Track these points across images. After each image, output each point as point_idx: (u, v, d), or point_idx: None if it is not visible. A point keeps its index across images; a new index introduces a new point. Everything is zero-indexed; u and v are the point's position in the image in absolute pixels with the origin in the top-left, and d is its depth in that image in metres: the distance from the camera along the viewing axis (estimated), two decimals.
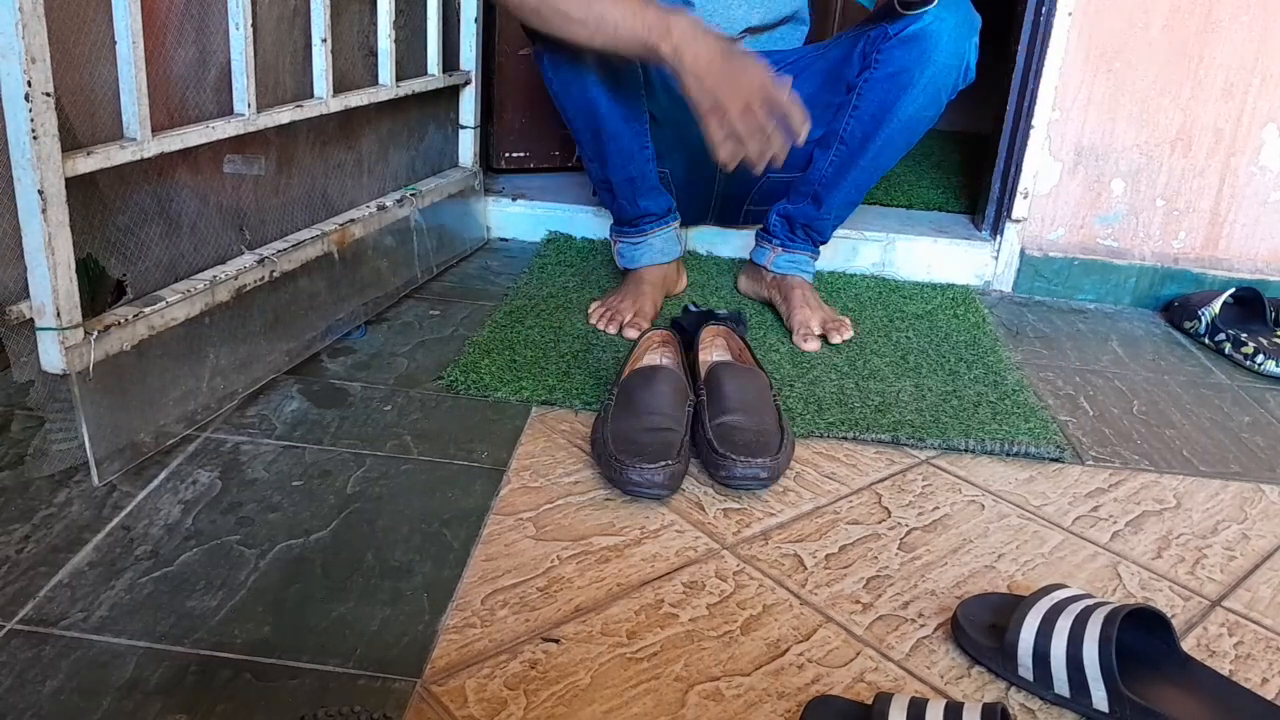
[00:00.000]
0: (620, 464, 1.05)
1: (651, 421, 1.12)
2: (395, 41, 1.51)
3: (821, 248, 1.63)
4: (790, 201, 1.59)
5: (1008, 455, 1.24)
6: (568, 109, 1.48)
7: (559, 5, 1.25)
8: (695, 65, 1.16)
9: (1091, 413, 1.40)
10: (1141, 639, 0.86)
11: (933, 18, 1.38)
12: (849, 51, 1.52)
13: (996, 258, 1.89)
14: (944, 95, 1.45)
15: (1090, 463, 1.26)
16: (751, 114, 1.16)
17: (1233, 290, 1.73)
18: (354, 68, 1.46)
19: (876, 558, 1.02)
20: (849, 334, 1.53)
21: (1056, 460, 1.24)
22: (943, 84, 1.43)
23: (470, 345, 1.41)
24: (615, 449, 1.08)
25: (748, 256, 1.87)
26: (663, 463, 1.05)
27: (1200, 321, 1.72)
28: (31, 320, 0.97)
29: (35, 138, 0.90)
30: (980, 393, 1.38)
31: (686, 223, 1.69)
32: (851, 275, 1.85)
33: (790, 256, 1.60)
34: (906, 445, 1.24)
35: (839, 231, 1.85)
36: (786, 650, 0.87)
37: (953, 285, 1.85)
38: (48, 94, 0.90)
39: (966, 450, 1.24)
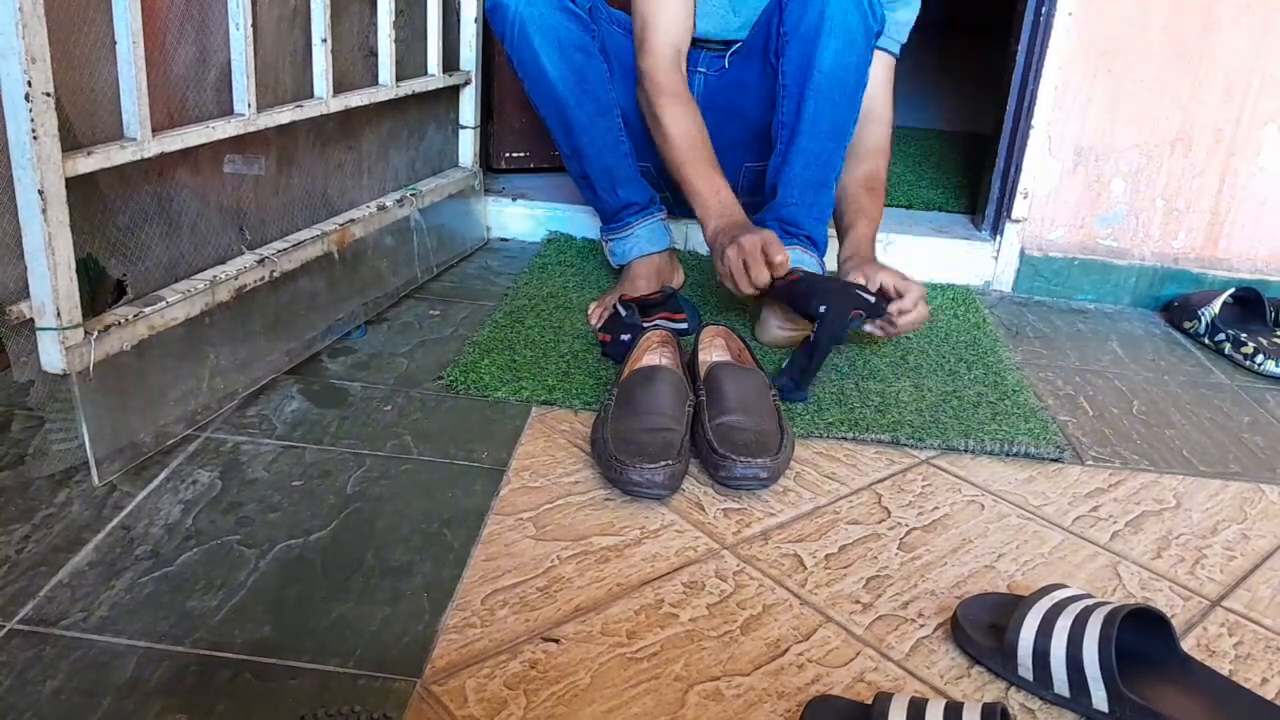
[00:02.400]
0: (620, 464, 1.05)
1: (651, 421, 1.12)
2: (395, 41, 1.51)
3: (816, 248, 1.54)
4: (767, 206, 1.56)
5: (1007, 455, 1.24)
6: (539, 107, 1.54)
7: (666, 150, 1.47)
8: (718, 247, 1.38)
9: (1091, 413, 1.40)
10: (1141, 639, 0.86)
11: None
12: (765, 39, 1.53)
13: (996, 258, 1.89)
14: (857, 38, 1.42)
15: (1090, 463, 1.26)
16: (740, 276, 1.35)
17: (1232, 290, 1.73)
18: (354, 68, 1.46)
19: (876, 558, 1.02)
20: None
21: (1056, 460, 1.24)
22: (851, 23, 1.41)
23: (470, 345, 1.41)
24: (615, 449, 1.07)
25: None
26: (663, 462, 1.05)
27: (1200, 321, 1.72)
28: (32, 320, 0.97)
29: (35, 138, 0.90)
30: (980, 393, 1.38)
31: (683, 214, 1.67)
32: None
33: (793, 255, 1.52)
34: (906, 445, 1.24)
35: None
36: (786, 650, 0.87)
37: (953, 285, 1.85)
38: (48, 94, 0.90)
39: (966, 450, 1.24)
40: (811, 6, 1.42)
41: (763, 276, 1.31)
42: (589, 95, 1.50)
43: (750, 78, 1.59)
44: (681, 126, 1.45)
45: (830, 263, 1.58)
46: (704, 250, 1.87)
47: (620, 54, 1.58)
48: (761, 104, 1.57)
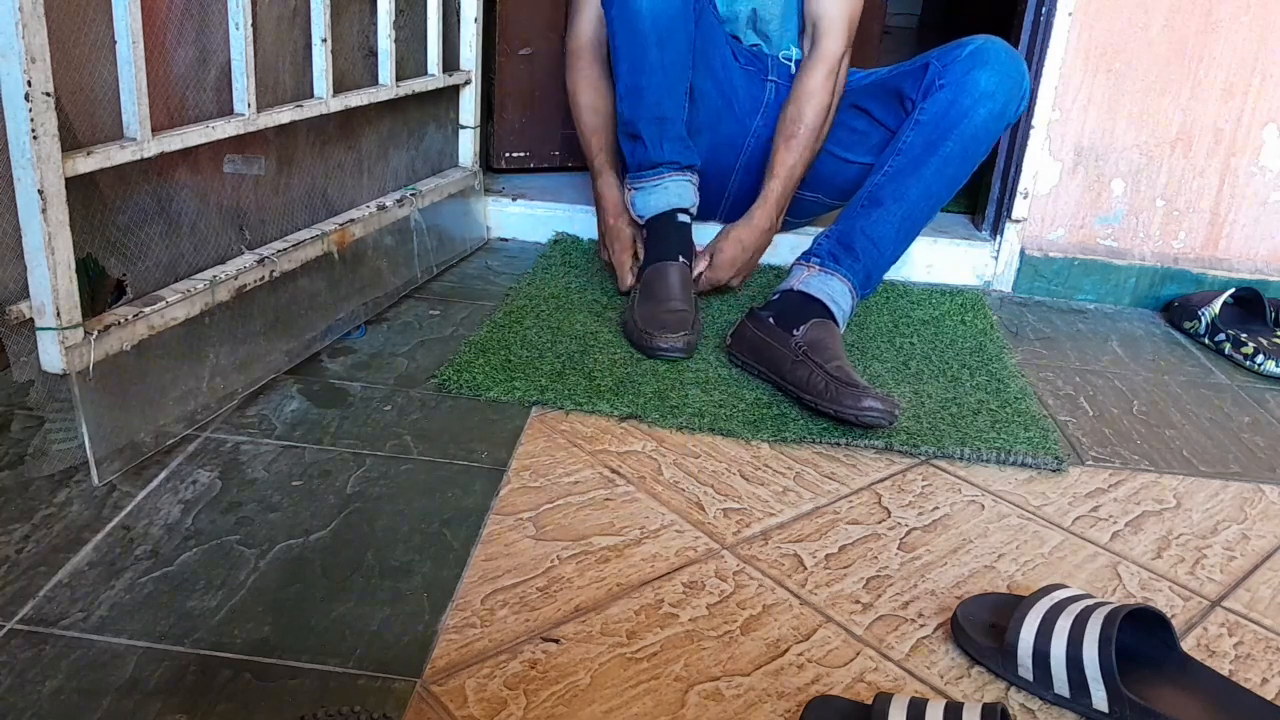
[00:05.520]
0: (649, 335, 1.38)
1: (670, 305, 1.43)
2: (395, 41, 1.51)
3: (859, 288, 1.45)
4: (839, 221, 1.51)
5: (1004, 465, 1.23)
6: (618, 31, 1.49)
7: (580, 123, 1.65)
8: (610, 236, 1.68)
9: (1091, 413, 1.40)
10: (1141, 639, 0.86)
11: (985, 39, 1.48)
12: (909, 74, 1.55)
13: (996, 258, 1.89)
14: (1009, 112, 1.47)
15: (1090, 463, 1.26)
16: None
17: (1233, 290, 1.73)
18: (354, 68, 1.46)
19: (876, 558, 1.02)
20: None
21: (1055, 471, 1.23)
22: (1009, 95, 1.45)
23: (466, 345, 1.40)
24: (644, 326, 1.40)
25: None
26: (681, 333, 1.37)
27: (1200, 322, 1.72)
28: (31, 320, 0.97)
29: (35, 138, 0.90)
30: (981, 400, 1.37)
31: (698, 218, 1.67)
32: None
33: (824, 280, 1.42)
34: (900, 451, 1.23)
35: None
36: (786, 650, 0.87)
37: (962, 290, 1.84)
38: (48, 94, 0.90)
39: (961, 459, 1.23)
40: (978, 58, 1.45)
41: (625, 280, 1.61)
42: (672, 45, 1.47)
43: (839, 118, 1.62)
44: (595, 107, 1.63)
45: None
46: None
47: (708, 33, 1.58)
48: (834, 141, 1.64)
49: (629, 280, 1.59)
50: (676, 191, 1.52)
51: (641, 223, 1.56)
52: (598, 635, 0.87)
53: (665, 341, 1.37)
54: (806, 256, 1.47)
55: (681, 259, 1.50)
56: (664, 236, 1.52)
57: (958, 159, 1.47)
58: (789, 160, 1.57)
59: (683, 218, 1.53)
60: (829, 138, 1.63)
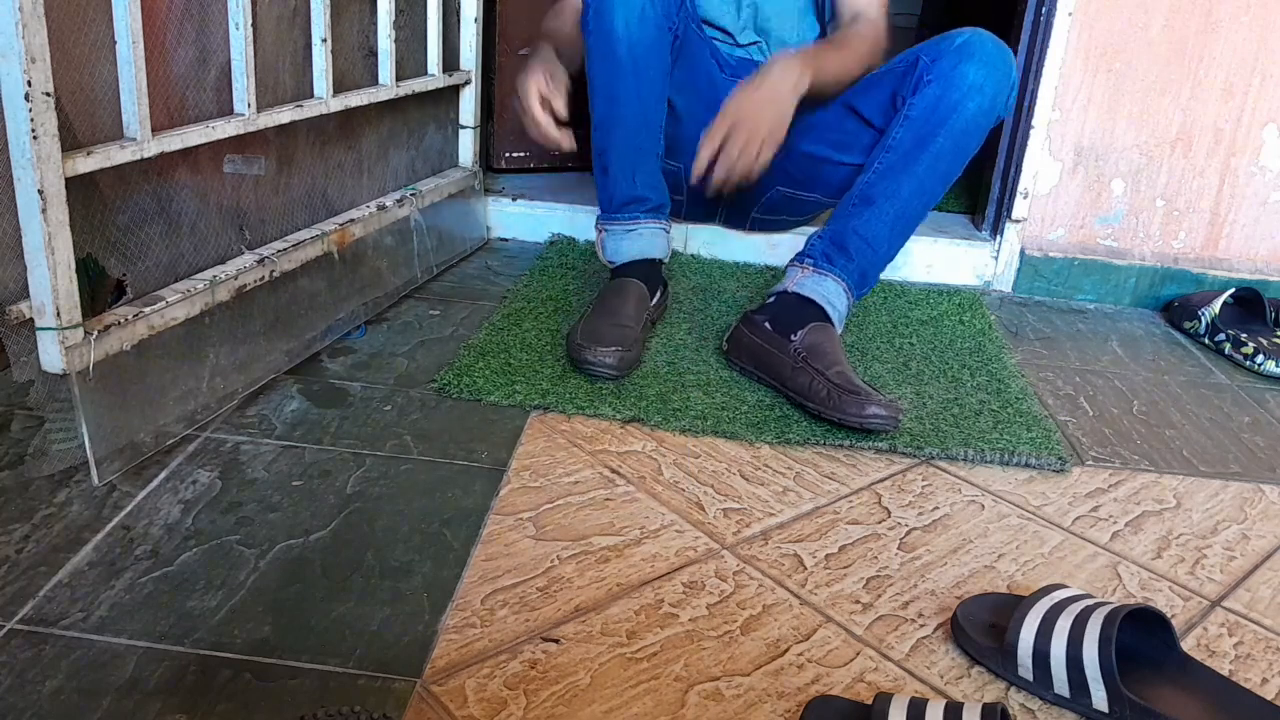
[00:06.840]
0: (580, 347, 1.30)
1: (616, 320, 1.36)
2: (395, 41, 1.51)
3: (851, 292, 1.43)
4: (831, 221, 1.47)
5: (1008, 465, 1.23)
6: (594, 61, 1.46)
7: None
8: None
9: (1091, 413, 1.40)
10: (1141, 639, 0.86)
11: (972, 32, 1.45)
12: (898, 72, 1.52)
13: (996, 258, 1.89)
14: (998, 104, 1.44)
15: (1090, 463, 1.26)
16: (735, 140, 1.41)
17: (1233, 290, 1.74)
18: (354, 68, 1.46)
19: (876, 558, 1.02)
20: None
21: (1058, 471, 1.23)
22: (998, 87, 1.43)
23: (465, 348, 1.40)
24: (580, 339, 1.32)
25: (751, 261, 1.87)
26: (614, 348, 1.30)
27: (1200, 321, 1.72)
28: (31, 320, 0.97)
29: (35, 138, 0.90)
30: (982, 400, 1.37)
31: (694, 219, 1.66)
32: None
33: (818, 280, 1.41)
34: (904, 453, 1.23)
35: None
36: (786, 650, 0.87)
37: (960, 290, 1.84)
38: (48, 94, 0.90)
39: (965, 460, 1.23)
40: (964, 52, 1.43)
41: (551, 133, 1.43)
42: (648, 73, 1.45)
43: (831, 118, 1.59)
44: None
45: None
46: (705, 253, 1.88)
47: (691, 51, 1.55)
48: (829, 143, 1.61)
49: (553, 132, 1.43)
50: (650, 240, 1.50)
51: (611, 268, 1.52)
52: (598, 635, 0.87)
53: (594, 355, 1.30)
54: (800, 257, 1.46)
55: (642, 283, 1.46)
56: (632, 272, 1.50)
57: (949, 154, 1.45)
58: (829, 46, 1.53)
59: (654, 259, 1.51)
60: (821, 139, 1.61)
